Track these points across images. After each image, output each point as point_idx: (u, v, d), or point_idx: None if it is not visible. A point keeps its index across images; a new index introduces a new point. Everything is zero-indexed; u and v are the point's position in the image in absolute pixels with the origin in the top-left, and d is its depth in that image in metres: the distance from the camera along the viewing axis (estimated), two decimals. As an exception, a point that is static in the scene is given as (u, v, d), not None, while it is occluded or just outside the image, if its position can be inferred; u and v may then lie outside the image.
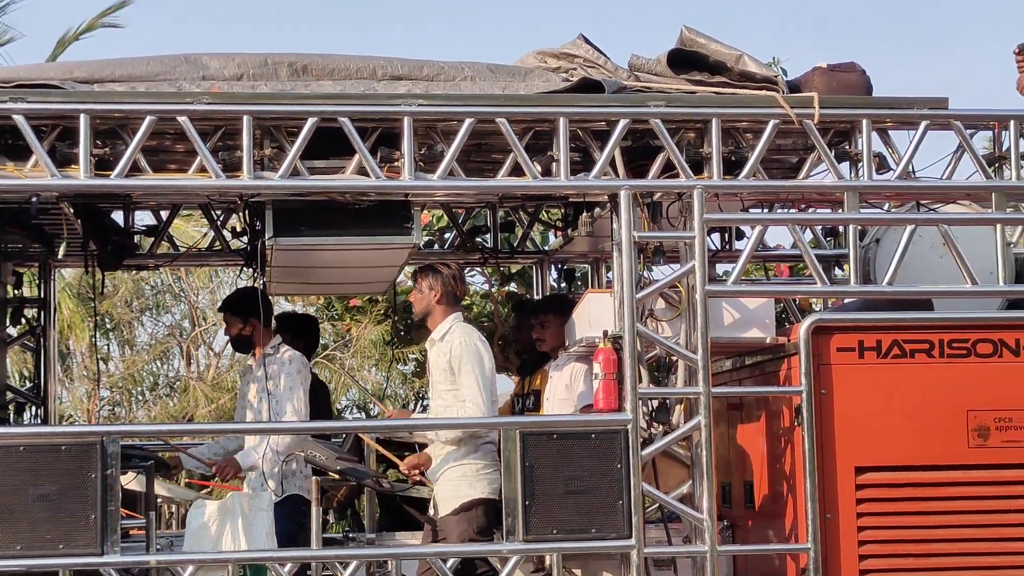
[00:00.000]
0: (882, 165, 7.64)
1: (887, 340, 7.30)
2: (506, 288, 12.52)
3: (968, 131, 7.66)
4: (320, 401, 8.69)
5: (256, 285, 8.16)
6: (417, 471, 7.73)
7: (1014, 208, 7.98)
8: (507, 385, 9.63)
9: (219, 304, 9.40)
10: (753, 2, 36.74)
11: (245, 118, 7.04)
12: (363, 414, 16.96)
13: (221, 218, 9.20)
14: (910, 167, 7.60)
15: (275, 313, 8.80)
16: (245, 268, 8.91)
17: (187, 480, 11.48)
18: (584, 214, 7.80)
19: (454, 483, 7.59)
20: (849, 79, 7.66)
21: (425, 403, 15.12)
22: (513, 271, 12.12)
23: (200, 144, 7.04)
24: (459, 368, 7.57)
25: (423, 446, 7.97)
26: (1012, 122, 7.62)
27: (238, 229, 8.63)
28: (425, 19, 35.95)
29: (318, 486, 7.36)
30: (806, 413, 7.16)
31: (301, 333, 8.83)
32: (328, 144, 7.18)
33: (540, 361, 8.80)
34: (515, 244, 9.83)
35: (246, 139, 7.04)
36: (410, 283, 9.71)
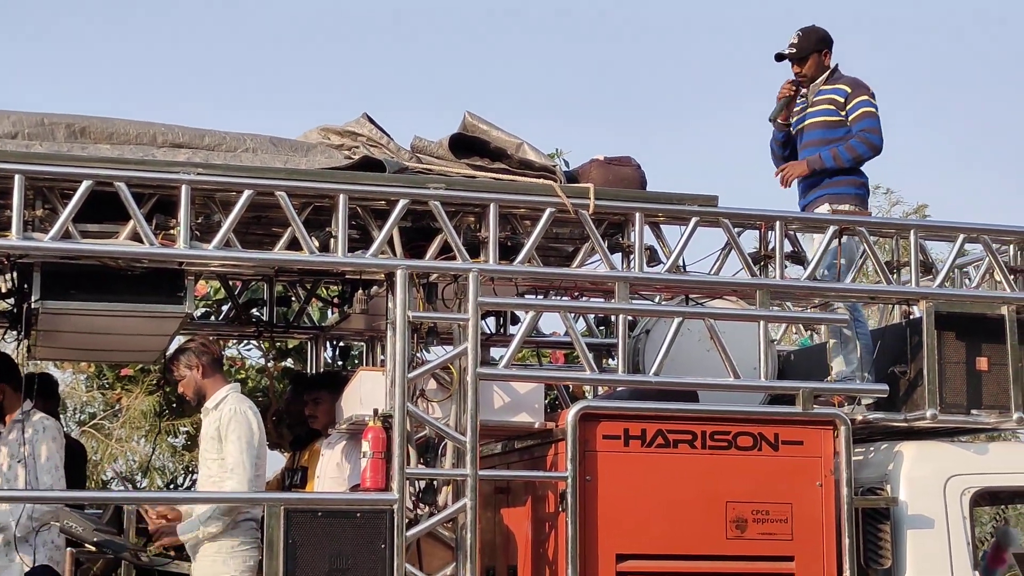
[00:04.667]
0: (653, 258, 7.83)
1: (652, 429, 7.43)
2: (282, 363, 12.42)
3: (736, 229, 7.90)
4: (76, 465, 8.46)
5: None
6: (167, 541, 7.58)
7: (778, 306, 8.24)
8: (280, 462, 9.52)
9: None
10: (539, 92, 37.41)
11: (17, 177, 6.88)
12: (129, 485, 16.54)
13: (-12, 278, 8.95)
14: (680, 261, 7.80)
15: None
16: (10, 330, 8.67)
17: None
18: (360, 292, 7.79)
19: (209, 559, 7.45)
20: (624, 172, 7.84)
21: (195, 477, 14.83)
22: (290, 346, 12.02)
23: (-33, 202, 6.87)
24: (226, 436, 7.49)
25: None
26: (777, 223, 7.88)
27: (3, 290, 8.39)
28: (212, 88, 35.72)
29: (72, 558, 7.16)
30: (570, 499, 7.22)
31: (46, 394, 8.57)
32: (103, 208, 7.06)
33: (311, 437, 8.74)
34: (291, 319, 9.77)
35: (17, 199, 6.87)
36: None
